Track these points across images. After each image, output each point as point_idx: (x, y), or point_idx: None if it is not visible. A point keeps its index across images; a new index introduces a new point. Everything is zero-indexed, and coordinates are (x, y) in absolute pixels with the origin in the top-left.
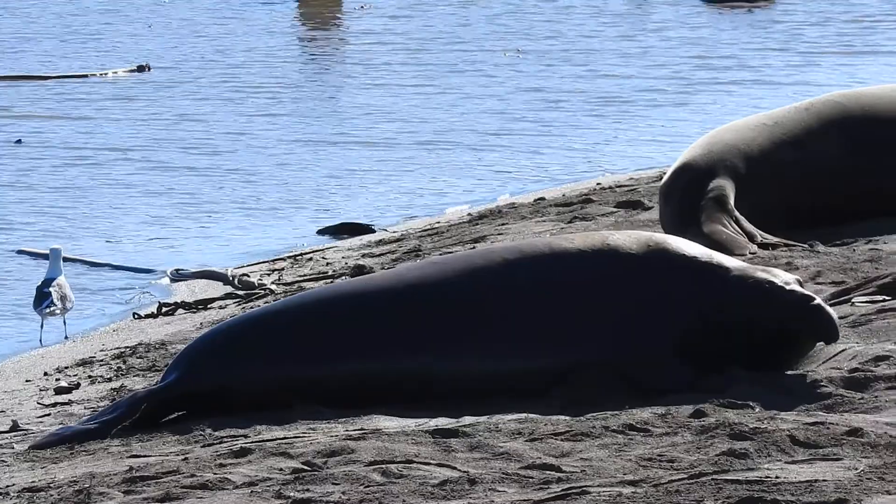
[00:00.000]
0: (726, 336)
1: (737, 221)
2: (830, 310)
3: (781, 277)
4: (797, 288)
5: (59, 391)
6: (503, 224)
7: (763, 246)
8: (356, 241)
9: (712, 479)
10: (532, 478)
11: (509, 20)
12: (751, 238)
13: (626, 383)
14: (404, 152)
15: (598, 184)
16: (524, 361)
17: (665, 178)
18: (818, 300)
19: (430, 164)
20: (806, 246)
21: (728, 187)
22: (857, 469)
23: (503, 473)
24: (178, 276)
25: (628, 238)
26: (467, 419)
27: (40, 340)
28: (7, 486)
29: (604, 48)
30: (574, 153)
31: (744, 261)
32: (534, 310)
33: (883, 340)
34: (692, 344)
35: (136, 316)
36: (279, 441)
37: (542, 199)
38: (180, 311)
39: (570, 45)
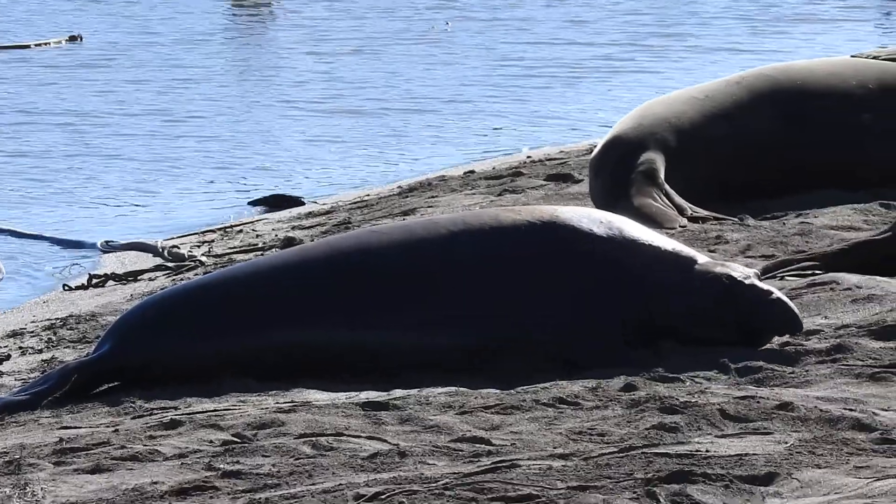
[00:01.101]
0: (678, 325)
1: (667, 195)
2: (790, 302)
3: (740, 271)
4: (757, 283)
5: None
6: (433, 197)
7: (693, 219)
8: (286, 213)
9: (642, 453)
10: (462, 451)
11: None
12: (681, 211)
13: (562, 357)
14: (336, 123)
15: (528, 157)
16: (463, 336)
17: (595, 151)
18: (777, 293)
19: (362, 135)
20: (736, 220)
21: (658, 161)
22: (787, 443)
23: (433, 446)
24: (109, 247)
25: (580, 214)
26: (398, 392)
27: None
28: None
29: (547, 17)
30: (508, 126)
31: (675, 237)
32: (476, 283)
33: (813, 315)
34: (640, 328)
35: (66, 288)
36: (209, 413)
37: (472, 171)
38: (111, 282)
39: (505, 15)
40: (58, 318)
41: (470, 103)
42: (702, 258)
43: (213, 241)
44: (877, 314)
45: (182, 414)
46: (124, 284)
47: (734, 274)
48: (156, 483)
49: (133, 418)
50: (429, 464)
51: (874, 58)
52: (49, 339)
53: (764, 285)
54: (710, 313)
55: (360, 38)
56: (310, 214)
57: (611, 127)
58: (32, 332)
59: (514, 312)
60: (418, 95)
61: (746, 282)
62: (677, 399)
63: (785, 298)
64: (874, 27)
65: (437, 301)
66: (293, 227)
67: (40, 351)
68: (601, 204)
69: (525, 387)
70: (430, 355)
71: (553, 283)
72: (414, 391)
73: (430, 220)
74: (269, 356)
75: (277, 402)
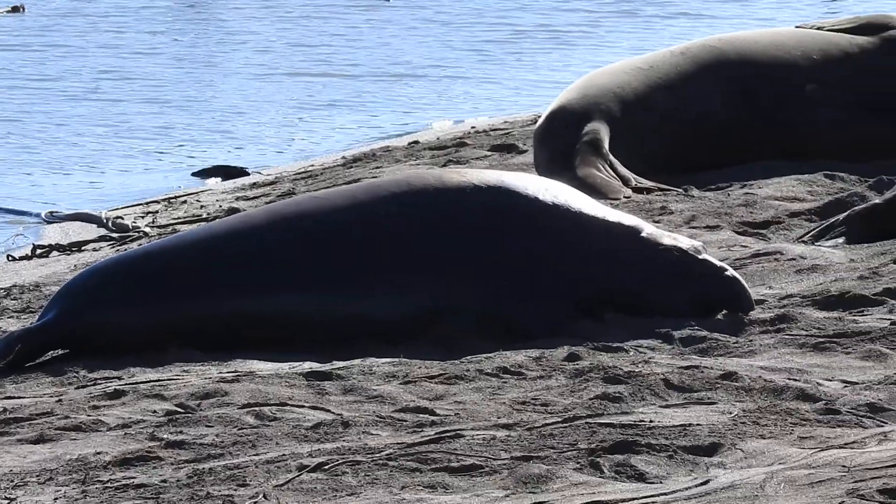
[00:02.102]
0: (622, 294)
1: (611, 165)
2: (743, 280)
3: (689, 244)
4: (708, 257)
5: None
6: (377, 167)
7: (637, 190)
8: (230, 183)
9: (586, 423)
10: (406, 421)
11: None
12: (625, 182)
13: (506, 326)
14: (281, 92)
15: (472, 127)
16: (406, 302)
17: (540, 121)
18: (731, 271)
19: (308, 104)
20: (681, 190)
21: (603, 131)
22: (731, 413)
23: (377, 416)
24: (53, 217)
25: (525, 180)
26: (341, 362)
27: None
28: None
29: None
30: (454, 95)
31: (620, 207)
32: (420, 247)
33: (757, 285)
34: (584, 298)
35: (10, 258)
36: (153, 383)
37: (417, 142)
38: (55, 252)
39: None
40: (1, 288)
41: (420, 69)
42: (648, 228)
43: (157, 211)
44: (821, 284)
45: (126, 384)
46: (68, 255)
47: (684, 246)
48: (99, 453)
49: (77, 388)
50: (372, 434)
51: (819, 28)
52: None
53: (716, 261)
54: (657, 285)
55: (311, 5)
56: (254, 185)
57: (556, 97)
58: None
59: (458, 278)
60: (365, 63)
61: (698, 256)
62: (621, 369)
63: (738, 276)
64: None
65: (380, 266)
66: (237, 198)
67: None
68: (546, 174)
69: (469, 357)
70: (374, 322)
71: (497, 249)
72: (357, 361)
73: (374, 182)
74: (212, 325)
75: (221, 373)
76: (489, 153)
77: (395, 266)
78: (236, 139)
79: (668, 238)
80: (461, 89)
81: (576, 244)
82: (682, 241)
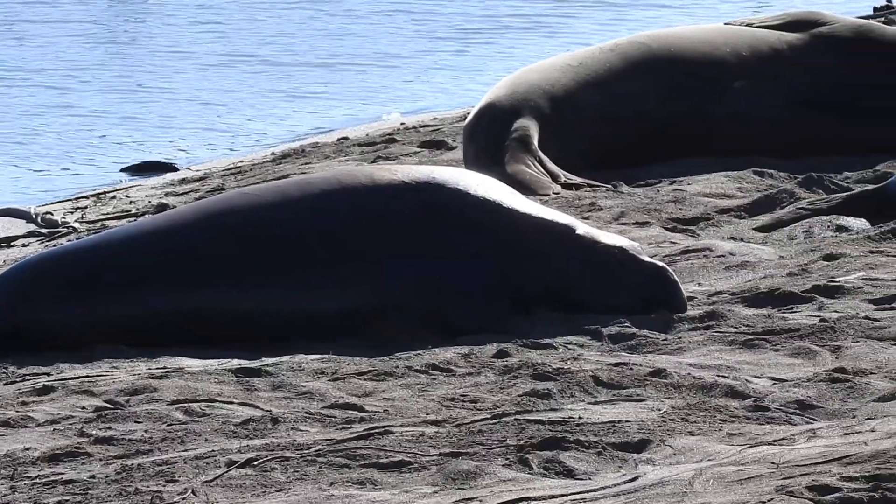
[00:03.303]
0: (553, 291)
1: (540, 162)
2: (679, 281)
3: (624, 242)
4: (645, 257)
5: None
6: (306, 163)
7: (567, 186)
8: (159, 179)
9: (515, 420)
10: (335, 417)
11: None
12: (554, 178)
13: (435, 323)
14: (210, 86)
15: (401, 123)
16: (336, 298)
17: (469, 118)
18: (669, 272)
19: (237, 98)
20: (610, 186)
21: (532, 127)
22: (660, 410)
23: (306, 413)
24: None
25: (456, 176)
26: (270, 358)
27: None
28: None
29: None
30: (385, 90)
31: (549, 203)
32: (350, 244)
33: (687, 282)
34: (513, 294)
35: None
36: (82, 379)
37: (346, 138)
38: None
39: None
40: None
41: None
42: (582, 226)
43: (86, 207)
44: (750, 281)
45: (54, 380)
46: None
47: (620, 245)
48: (28, 449)
49: (5, 384)
50: (301, 430)
51: (748, 25)
52: None
53: (652, 261)
54: (591, 282)
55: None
56: (183, 181)
57: (485, 93)
58: None
59: (388, 274)
60: (288, 58)
61: (637, 256)
62: (550, 366)
63: (674, 277)
64: None
65: (310, 262)
66: (166, 194)
67: None
68: (475, 170)
69: (398, 353)
70: (305, 319)
71: (426, 246)
72: (286, 357)
73: (304, 179)
74: (141, 321)
75: (150, 369)
76: (419, 149)
77: (324, 263)
78: (165, 135)
79: (603, 236)
80: (392, 84)
81: (508, 240)
82: (618, 239)
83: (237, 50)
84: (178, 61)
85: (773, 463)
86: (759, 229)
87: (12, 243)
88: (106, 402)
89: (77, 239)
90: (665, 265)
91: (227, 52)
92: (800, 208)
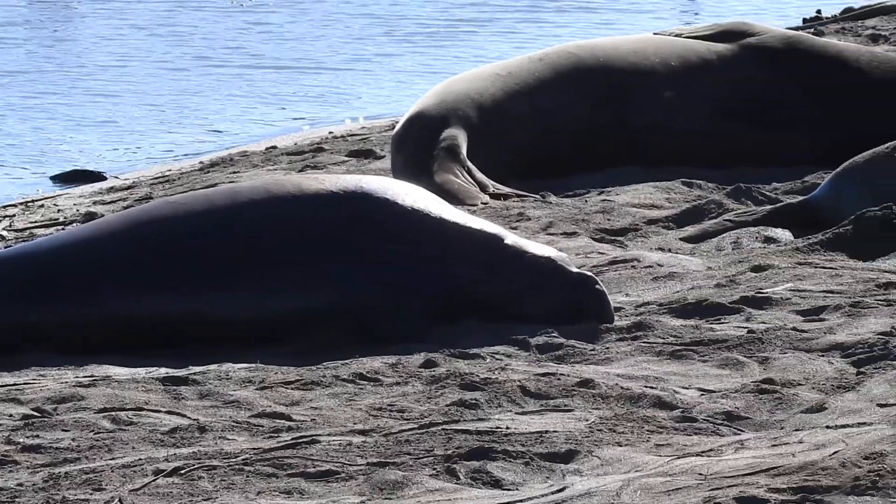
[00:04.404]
0: (481, 301)
1: (469, 171)
2: (607, 293)
3: (552, 252)
4: (574, 268)
5: None
6: (235, 172)
7: (495, 196)
8: (87, 188)
9: (442, 429)
10: (262, 426)
11: None
12: (483, 188)
13: (362, 332)
14: (137, 94)
15: (330, 132)
16: (264, 307)
17: (397, 127)
18: (599, 284)
19: (161, 108)
20: (538, 196)
21: (460, 137)
22: (588, 420)
23: (233, 422)
24: None
25: (385, 185)
26: (197, 367)
27: None
28: None
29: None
30: (317, 99)
31: (477, 213)
32: (278, 253)
33: (614, 292)
34: (441, 303)
35: None
36: (9, 387)
37: (274, 147)
38: None
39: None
40: None
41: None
42: (511, 236)
43: (13, 215)
44: (677, 292)
45: None
46: None
47: (548, 255)
48: None
49: None
50: (228, 439)
51: (677, 35)
52: None
53: (580, 271)
54: (520, 292)
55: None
56: (111, 190)
57: (414, 103)
58: None
59: (316, 283)
60: (215, 69)
61: (565, 266)
62: (478, 375)
63: (601, 287)
64: (678, 3)
65: (238, 271)
66: (94, 203)
67: None
68: (403, 180)
69: (326, 362)
70: (233, 327)
71: (354, 255)
72: (214, 366)
73: (232, 188)
74: (68, 330)
75: (77, 377)
76: (347, 158)
77: (251, 272)
78: (93, 143)
79: (531, 246)
80: (320, 94)
81: (436, 250)
82: (545, 249)
83: (166, 56)
84: (108, 67)
85: (700, 474)
86: (687, 240)
87: None
88: (33, 410)
89: (5, 248)
90: (592, 275)
91: (155, 58)
92: (727, 219)
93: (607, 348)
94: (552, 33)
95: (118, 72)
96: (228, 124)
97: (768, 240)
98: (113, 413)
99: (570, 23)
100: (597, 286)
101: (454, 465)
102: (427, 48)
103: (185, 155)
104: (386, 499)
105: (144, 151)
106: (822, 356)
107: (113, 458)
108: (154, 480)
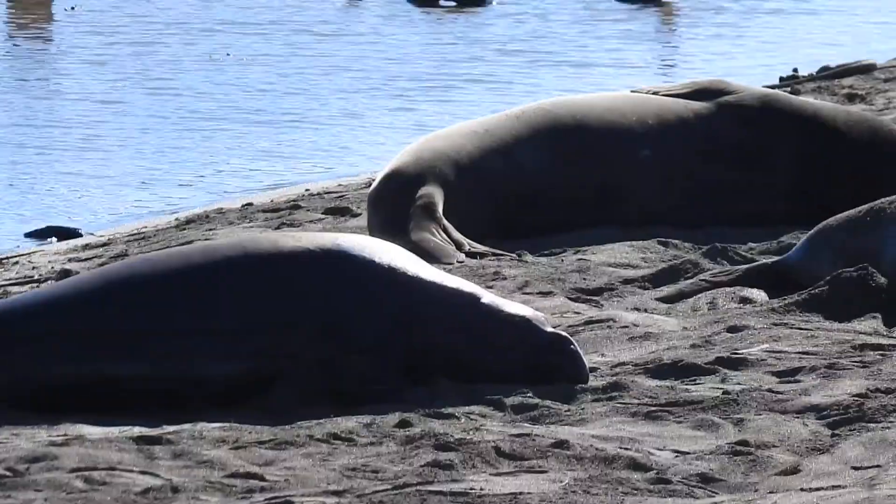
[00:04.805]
0: (457, 360)
1: (445, 229)
2: (582, 354)
3: (529, 312)
4: (550, 328)
5: None
6: (211, 229)
7: (471, 255)
8: (63, 245)
9: (416, 490)
10: (235, 486)
11: (222, 25)
12: (459, 247)
13: (337, 391)
14: (114, 150)
15: (306, 190)
16: (240, 364)
17: (374, 185)
18: (574, 344)
19: (139, 163)
20: (514, 255)
21: (437, 195)
22: (562, 482)
23: (207, 482)
24: None
25: (361, 243)
26: (171, 426)
27: None
28: None
29: (315, 52)
30: (289, 158)
31: (453, 272)
32: (254, 310)
33: (590, 352)
34: (417, 362)
35: None
36: None
37: (250, 204)
38: None
39: (280, 51)
40: None
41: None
42: (488, 295)
43: None
44: (653, 352)
45: None
46: None
47: (528, 316)
48: None
49: None
50: (202, 499)
51: (654, 93)
52: None
53: (555, 331)
54: (496, 352)
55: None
56: (87, 246)
57: (390, 160)
58: None
59: (293, 342)
60: (198, 123)
61: (540, 326)
62: (452, 436)
63: (576, 348)
64: (654, 59)
65: (215, 329)
66: (70, 259)
67: None
68: (380, 238)
69: (299, 422)
70: (208, 385)
71: (331, 313)
72: (187, 425)
73: (209, 245)
74: (44, 388)
75: (50, 436)
76: (323, 216)
77: (230, 330)
78: (72, 199)
79: (506, 305)
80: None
81: (412, 308)
82: (521, 308)
83: (144, 111)
84: (84, 122)
85: None
86: (662, 300)
87: None
88: (6, 469)
89: None
90: (568, 335)
91: (133, 113)
92: (703, 280)
93: (582, 409)
94: (538, 89)
95: (94, 127)
96: (205, 181)
97: (744, 300)
98: (86, 473)
99: (547, 79)
100: (572, 346)
101: None
102: (412, 104)
103: (161, 211)
104: None
105: (120, 208)
106: (797, 418)
107: None
108: None
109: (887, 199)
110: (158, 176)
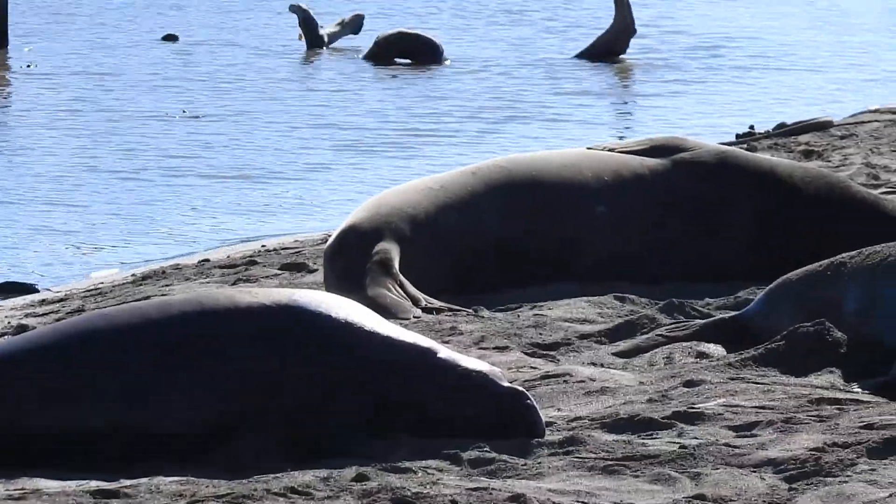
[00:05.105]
0: (414, 414)
1: (401, 285)
2: (538, 408)
3: (485, 367)
4: (506, 382)
5: None
6: (167, 285)
7: (427, 310)
8: (19, 300)
9: None
10: None
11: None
12: (415, 302)
13: (294, 445)
14: (65, 211)
15: (262, 245)
16: (196, 419)
17: (330, 240)
18: (530, 399)
19: (98, 222)
20: (471, 311)
21: (393, 250)
22: None
23: None
24: None
25: (317, 299)
26: (128, 480)
27: None
28: None
29: (270, 109)
30: (245, 216)
31: (410, 327)
32: (211, 365)
33: (546, 407)
34: (374, 416)
35: None
36: None
37: (207, 260)
38: None
39: (241, 107)
40: None
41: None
42: (441, 350)
43: None
44: (610, 407)
45: None
46: None
47: (484, 370)
48: None
49: None
50: None
51: (610, 150)
52: None
53: (511, 385)
54: (452, 406)
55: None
56: (43, 302)
57: (346, 216)
58: None
59: (249, 396)
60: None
61: (497, 380)
62: (409, 490)
63: (532, 402)
64: (610, 116)
65: (171, 384)
66: (26, 315)
67: None
68: (336, 293)
69: (257, 476)
70: (165, 440)
71: (287, 367)
72: (145, 479)
73: (165, 300)
74: (2, 442)
75: (8, 490)
76: (280, 272)
77: (186, 385)
78: (24, 255)
79: (463, 360)
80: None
81: (369, 363)
82: (478, 363)
83: (102, 167)
84: (41, 178)
85: None
86: (619, 355)
87: None
88: None
89: None
90: (523, 390)
91: (90, 169)
92: (660, 334)
93: (539, 463)
94: (498, 145)
95: (51, 183)
96: (162, 236)
97: (701, 355)
98: None
99: (508, 135)
100: (528, 401)
101: None
102: (374, 159)
103: (118, 266)
104: None
105: (77, 264)
106: (755, 472)
107: None
108: None
109: (847, 254)
110: (115, 232)
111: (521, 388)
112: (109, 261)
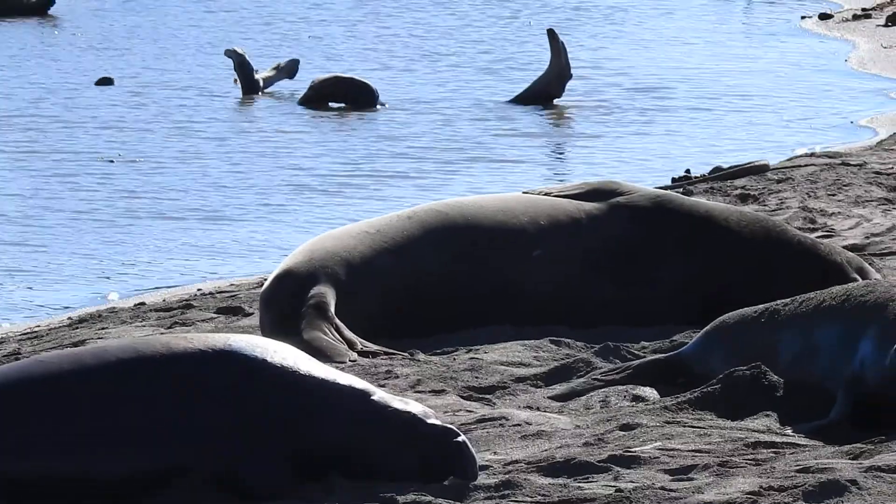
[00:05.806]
0: (349, 458)
1: (337, 329)
2: (472, 448)
3: (421, 409)
4: (438, 423)
5: None
6: (103, 328)
7: (363, 354)
8: None
9: None
10: None
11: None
12: (351, 345)
13: (228, 489)
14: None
15: (198, 289)
16: (132, 466)
17: (266, 284)
18: (462, 437)
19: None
20: (406, 354)
21: (329, 294)
22: None
23: None
24: None
25: (252, 343)
26: None
27: None
28: None
29: (205, 152)
30: (180, 257)
31: (346, 371)
32: (147, 412)
33: (482, 450)
34: (310, 461)
35: None
36: None
37: (143, 303)
38: None
39: (179, 150)
40: None
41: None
42: (378, 393)
43: None
44: (546, 450)
45: None
46: None
47: (413, 411)
48: None
49: None
50: None
51: (546, 194)
52: None
53: (445, 426)
54: (386, 449)
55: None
56: None
57: (281, 261)
58: None
59: (184, 441)
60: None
61: (429, 421)
62: None
63: (468, 443)
64: (546, 160)
65: (107, 431)
66: None
67: None
68: (271, 337)
69: None
70: (102, 487)
71: (223, 412)
72: None
73: (100, 347)
74: None
75: None
76: (215, 315)
77: (121, 432)
78: None
79: (397, 402)
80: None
81: (303, 406)
82: (412, 405)
83: (34, 211)
84: None
85: None
86: (555, 398)
87: None
88: None
89: None
90: (456, 429)
91: (23, 213)
92: (596, 378)
93: None
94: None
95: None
96: (97, 279)
97: (637, 398)
98: None
99: (445, 177)
100: (459, 438)
101: None
102: (306, 202)
103: (55, 310)
104: None
105: (12, 306)
106: None
107: None
108: None
109: (781, 301)
110: (50, 274)
111: (452, 426)
112: (45, 304)
